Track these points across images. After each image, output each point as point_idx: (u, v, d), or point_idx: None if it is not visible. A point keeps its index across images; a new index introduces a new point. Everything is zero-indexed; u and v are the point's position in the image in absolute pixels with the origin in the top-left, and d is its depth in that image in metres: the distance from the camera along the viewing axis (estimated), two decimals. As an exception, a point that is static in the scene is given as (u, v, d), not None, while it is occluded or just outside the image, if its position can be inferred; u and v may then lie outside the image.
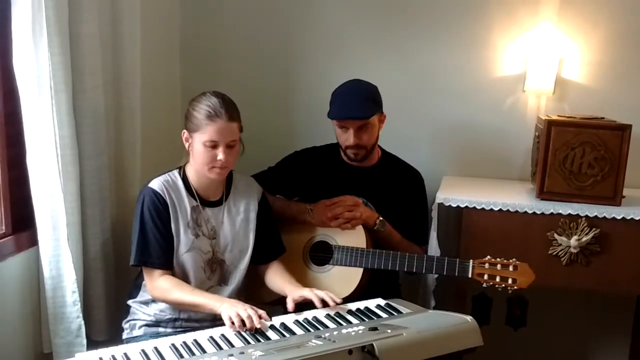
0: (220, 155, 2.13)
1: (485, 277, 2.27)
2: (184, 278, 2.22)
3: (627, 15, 2.78)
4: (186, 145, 2.21)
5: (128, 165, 2.55)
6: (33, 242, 2.21)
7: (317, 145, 2.71)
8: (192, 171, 2.24)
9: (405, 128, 2.67)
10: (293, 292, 2.17)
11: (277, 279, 2.31)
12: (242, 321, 1.95)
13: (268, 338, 1.90)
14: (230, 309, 1.99)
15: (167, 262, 2.19)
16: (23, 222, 2.23)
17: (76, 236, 2.23)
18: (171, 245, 2.19)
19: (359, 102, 2.47)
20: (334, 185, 2.55)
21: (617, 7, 2.78)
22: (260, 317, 1.99)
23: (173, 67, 3.10)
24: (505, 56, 2.89)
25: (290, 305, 2.12)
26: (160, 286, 2.16)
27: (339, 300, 2.12)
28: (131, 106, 2.52)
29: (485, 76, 2.92)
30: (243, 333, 1.93)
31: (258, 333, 1.93)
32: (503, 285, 2.26)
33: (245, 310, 1.98)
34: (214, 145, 2.13)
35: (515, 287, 2.25)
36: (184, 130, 2.20)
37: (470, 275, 2.30)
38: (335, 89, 2.55)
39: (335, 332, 1.87)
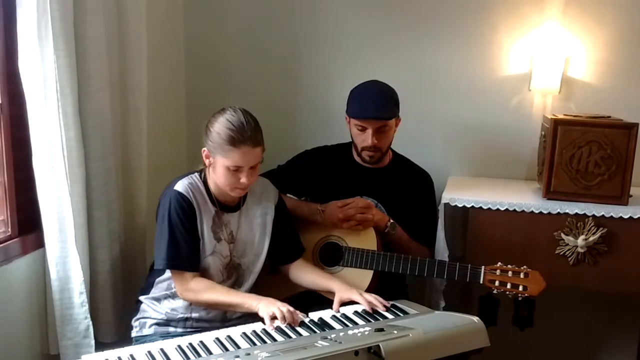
0: (243, 178, 2.13)
1: (497, 283, 2.27)
2: None
3: (633, 14, 2.77)
4: (206, 162, 2.18)
5: (135, 167, 2.55)
6: (40, 244, 2.21)
7: (323, 145, 2.70)
8: (212, 181, 2.23)
9: (410, 128, 2.66)
10: (342, 293, 2.20)
11: (314, 276, 2.33)
12: (283, 317, 2.00)
13: (274, 339, 1.91)
14: (269, 306, 2.04)
15: (197, 265, 2.19)
16: (29, 224, 2.23)
17: (83, 238, 2.24)
18: (199, 247, 2.20)
19: (381, 102, 2.46)
20: (344, 185, 2.54)
21: (623, 6, 2.77)
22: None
23: (178, 69, 3.11)
24: (511, 55, 2.88)
25: (336, 307, 2.16)
26: (194, 288, 2.15)
27: (387, 305, 2.16)
28: (137, 108, 2.52)
29: (490, 75, 2.91)
30: (249, 334, 1.93)
31: (266, 334, 1.94)
32: (514, 292, 2.26)
33: (284, 306, 2.03)
34: (237, 169, 2.13)
35: (526, 295, 2.25)
36: (205, 149, 2.16)
37: (481, 282, 2.30)
38: (353, 87, 2.53)
39: (341, 333, 1.87)
